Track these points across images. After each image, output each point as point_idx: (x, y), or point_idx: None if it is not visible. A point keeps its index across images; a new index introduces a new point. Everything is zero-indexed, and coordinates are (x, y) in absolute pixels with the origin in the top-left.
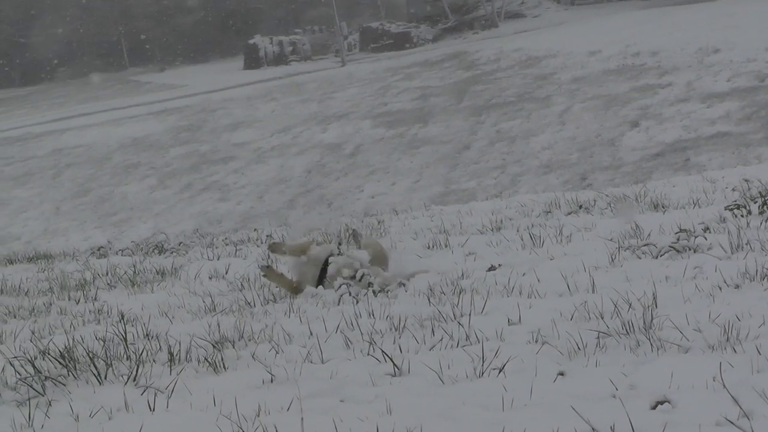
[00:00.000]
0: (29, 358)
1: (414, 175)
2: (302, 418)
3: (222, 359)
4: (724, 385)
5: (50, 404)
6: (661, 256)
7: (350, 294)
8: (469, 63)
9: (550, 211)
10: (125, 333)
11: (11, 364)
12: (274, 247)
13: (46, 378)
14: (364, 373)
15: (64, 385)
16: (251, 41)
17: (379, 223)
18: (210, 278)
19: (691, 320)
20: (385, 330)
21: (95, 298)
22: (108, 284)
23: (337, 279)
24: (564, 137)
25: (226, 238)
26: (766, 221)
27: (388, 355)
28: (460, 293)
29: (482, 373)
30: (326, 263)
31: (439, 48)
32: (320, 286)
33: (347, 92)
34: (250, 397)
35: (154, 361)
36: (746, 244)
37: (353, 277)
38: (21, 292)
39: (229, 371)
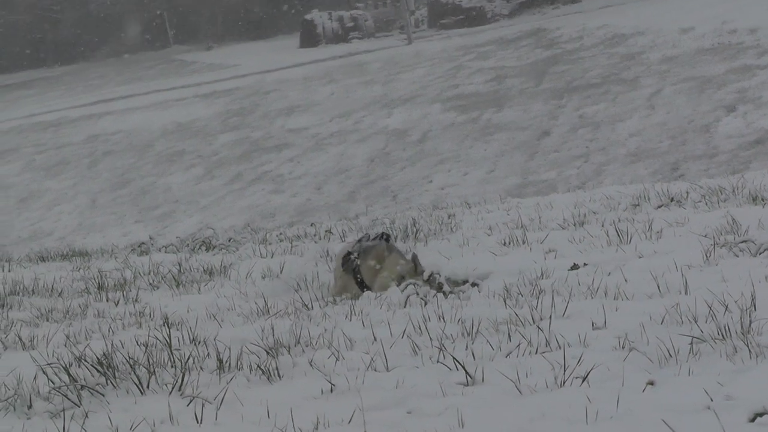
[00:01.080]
0: (64, 365)
1: (488, 164)
2: None
3: (276, 367)
4: None
5: (87, 416)
6: (760, 254)
7: (418, 295)
8: (549, 41)
9: (638, 205)
10: (169, 338)
11: (44, 371)
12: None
13: (82, 387)
14: (433, 382)
15: (102, 394)
16: (308, 16)
17: (449, 217)
18: (263, 278)
19: None
20: (457, 335)
21: (136, 300)
22: (150, 284)
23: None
24: (653, 123)
25: (280, 234)
26: None
27: (459, 363)
28: (539, 294)
29: (563, 383)
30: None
31: (515, 24)
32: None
33: (414, 73)
34: (307, 408)
35: (201, 368)
36: None
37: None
38: (54, 292)
39: (285, 380)
